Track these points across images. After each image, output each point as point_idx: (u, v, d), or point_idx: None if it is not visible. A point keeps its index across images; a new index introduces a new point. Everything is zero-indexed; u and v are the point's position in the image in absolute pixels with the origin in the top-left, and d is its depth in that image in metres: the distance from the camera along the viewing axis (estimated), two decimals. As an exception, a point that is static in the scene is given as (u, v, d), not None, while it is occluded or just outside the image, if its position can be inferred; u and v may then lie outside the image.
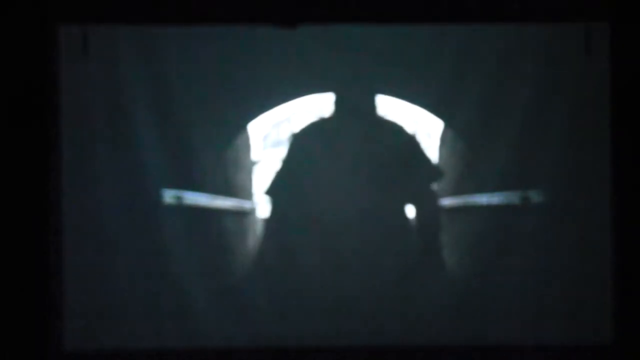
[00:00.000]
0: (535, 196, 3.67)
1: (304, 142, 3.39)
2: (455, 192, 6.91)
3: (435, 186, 3.54)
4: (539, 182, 3.63)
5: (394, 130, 3.39)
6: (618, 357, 3.00)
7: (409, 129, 3.44)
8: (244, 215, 7.87)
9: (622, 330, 2.97)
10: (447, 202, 7.36)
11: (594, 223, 3.28)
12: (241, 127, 7.14)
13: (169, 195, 3.86)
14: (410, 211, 3.63)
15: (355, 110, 3.45)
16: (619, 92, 2.90)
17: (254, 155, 9.60)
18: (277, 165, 3.52)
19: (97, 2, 2.94)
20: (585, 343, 3.18)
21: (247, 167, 9.18)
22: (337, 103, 3.51)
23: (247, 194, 8.98)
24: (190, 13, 3.02)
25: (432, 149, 3.68)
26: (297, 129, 3.42)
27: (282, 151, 3.59)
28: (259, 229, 9.37)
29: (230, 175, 7.09)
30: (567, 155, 3.39)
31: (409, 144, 3.42)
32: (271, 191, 3.51)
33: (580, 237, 3.32)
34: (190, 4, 3.00)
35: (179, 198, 3.98)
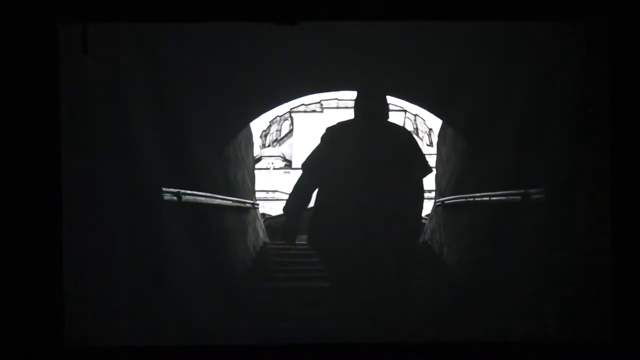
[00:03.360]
0: (535, 194, 3.66)
1: (329, 144, 3.85)
2: (456, 189, 6.93)
3: (424, 180, 3.93)
4: (539, 180, 3.62)
5: (398, 133, 3.87)
6: (618, 354, 3.00)
7: (409, 133, 3.97)
8: (244, 212, 7.88)
9: (622, 328, 2.97)
10: (447, 199, 7.37)
11: (594, 221, 3.27)
12: (241, 125, 7.17)
13: (169, 194, 3.86)
14: (406, 200, 3.88)
15: (369, 117, 3.87)
16: (619, 91, 2.89)
17: (254, 152, 9.59)
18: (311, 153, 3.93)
19: (97, 0, 2.94)
20: (585, 340, 3.18)
21: (247, 164, 9.20)
22: (355, 109, 3.93)
23: (247, 191, 9.01)
24: (189, 11, 3.01)
25: (425, 148, 3.82)
26: (327, 128, 3.90)
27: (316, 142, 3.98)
28: (261, 224, 9.27)
29: (230, 173, 7.12)
30: (567, 154, 3.38)
31: (409, 144, 3.84)
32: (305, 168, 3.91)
33: (580, 235, 3.32)
34: (189, 2, 2.99)
35: (179, 196, 3.98)
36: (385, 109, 3.85)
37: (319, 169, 3.81)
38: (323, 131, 3.97)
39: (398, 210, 3.73)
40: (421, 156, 3.84)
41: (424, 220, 11.30)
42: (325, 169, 3.79)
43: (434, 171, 3.93)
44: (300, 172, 3.99)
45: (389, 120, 3.89)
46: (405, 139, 3.83)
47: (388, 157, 3.71)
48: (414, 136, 3.93)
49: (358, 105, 3.88)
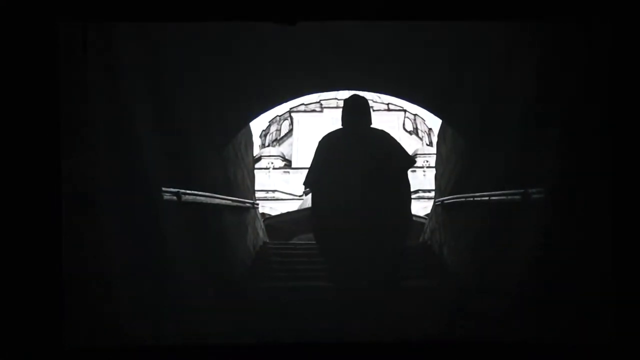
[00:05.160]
0: (535, 193, 3.66)
1: (324, 149, 4.28)
2: (455, 189, 6.94)
3: (408, 173, 4.31)
4: (539, 180, 3.62)
5: (380, 134, 4.30)
6: (618, 355, 2.99)
7: (388, 133, 4.36)
8: (244, 211, 7.87)
9: (622, 329, 2.96)
10: (447, 199, 7.36)
11: (594, 221, 3.26)
12: (241, 125, 7.18)
13: (168, 193, 3.86)
14: (395, 195, 4.19)
15: (354, 124, 4.30)
16: (619, 91, 2.89)
17: (253, 152, 9.58)
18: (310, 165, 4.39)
19: (97, 0, 2.93)
20: (585, 341, 3.17)
21: (247, 164, 9.19)
22: (342, 119, 4.35)
23: (247, 191, 9.00)
24: (189, 11, 3.00)
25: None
26: (319, 141, 4.37)
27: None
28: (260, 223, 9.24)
29: (230, 172, 7.12)
30: (567, 154, 3.37)
31: (392, 145, 4.25)
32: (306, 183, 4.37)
33: (580, 235, 3.31)
34: (189, 2, 2.98)
35: (179, 196, 3.98)
36: (368, 116, 4.31)
37: (319, 177, 4.17)
38: (321, 137, 4.37)
39: (388, 200, 4.04)
40: (402, 150, 4.28)
41: (423, 220, 11.31)
42: (323, 174, 4.15)
43: (417, 161, 4.52)
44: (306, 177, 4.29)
45: (371, 126, 4.35)
46: (386, 138, 4.25)
47: (374, 155, 4.09)
48: (393, 136, 4.36)
49: (344, 115, 4.33)
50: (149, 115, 3.58)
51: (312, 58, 4.98)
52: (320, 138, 4.41)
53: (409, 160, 4.29)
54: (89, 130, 3.18)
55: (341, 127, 4.33)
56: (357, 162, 4.04)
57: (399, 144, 4.30)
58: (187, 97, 4.14)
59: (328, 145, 4.22)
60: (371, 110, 4.39)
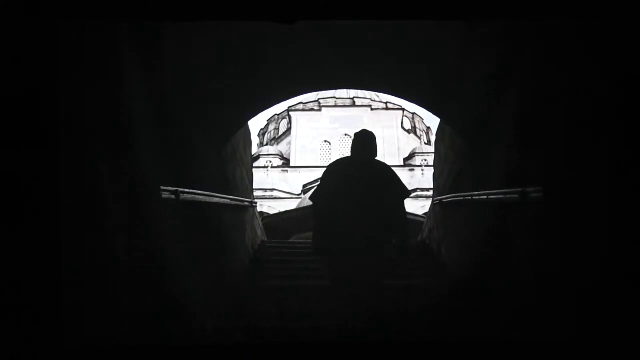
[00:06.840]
0: (533, 193, 3.66)
1: (331, 172, 4.67)
2: (454, 188, 6.94)
3: (404, 200, 4.69)
4: (537, 179, 3.62)
5: (382, 168, 4.70)
6: (618, 354, 3.00)
7: (390, 167, 4.79)
8: (242, 210, 7.86)
9: (622, 328, 2.96)
10: (446, 198, 7.36)
11: (593, 221, 3.26)
12: (240, 123, 7.18)
13: (167, 192, 3.86)
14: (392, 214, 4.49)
15: (362, 155, 4.67)
16: (619, 91, 2.89)
17: (252, 151, 9.55)
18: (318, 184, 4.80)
19: (97, 0, 2.93)
20: (580, 340, 3.18)
21: (245, 163, 9.18)
22: (352, 149, 4.71)
23: (245, 190, 8.99)
24: (189, 10, 3.00)
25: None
26: (328, 166, 4.79)
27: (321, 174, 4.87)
28: (259, 224, 9.22)
29: (229, 171, 7.11)
30: (567, 153, 3.38)
31: (391, 175, 4.65)
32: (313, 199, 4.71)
33: (579, 234, 3.31)
34: (188, 2, 2.98)
35: (177, 195, 3.98)
36: (374, 150, 4.71)
37: (324, 194, 4.50)
38: (329, 164, 4.78)
39: (385, 218, 4.29)
40: (401, 183, 4.66)
41: (421, 219, 11.30)
42: (328, 192, 4.48)
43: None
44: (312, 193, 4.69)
45: (376, 159, 4.73)
46: (388, 171, 4.67)
47: (376, 182, 4.45)
48: (393, 171, 4.77)
49: (353, 146, 4.71)
50: (148, 114, 3.58)
51: (310, 57, 4.98)
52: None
53: (405, 191, 4.65)
54: (89, 130, 3.18)
55: (350, 155, 4.74)
56: (362, 178, 4.39)
57: (397, 176, 4.73)
58: (186, 96, 4.14)
59: (337, 167, 4.67)
60: (377, 145, 4.78)
